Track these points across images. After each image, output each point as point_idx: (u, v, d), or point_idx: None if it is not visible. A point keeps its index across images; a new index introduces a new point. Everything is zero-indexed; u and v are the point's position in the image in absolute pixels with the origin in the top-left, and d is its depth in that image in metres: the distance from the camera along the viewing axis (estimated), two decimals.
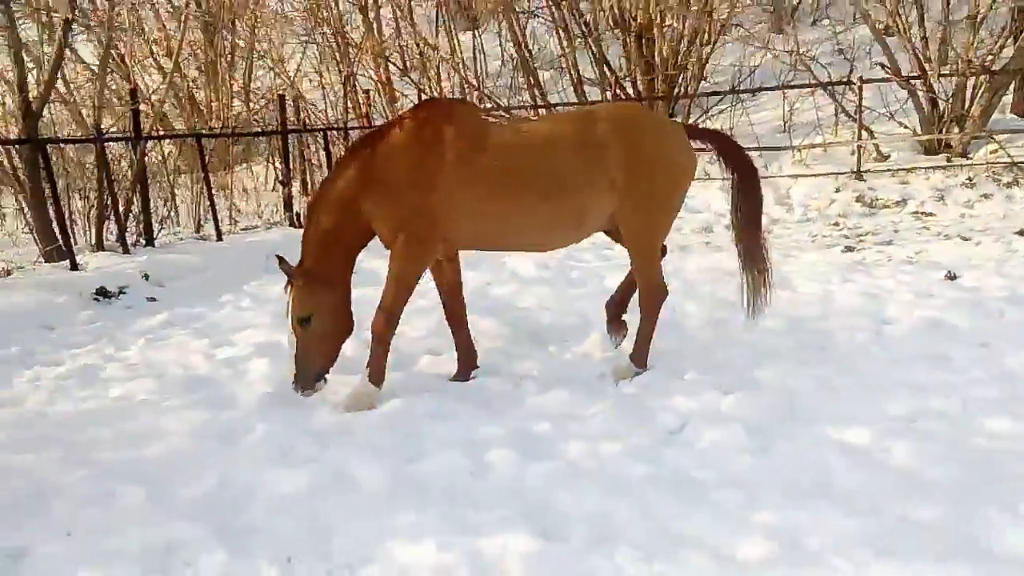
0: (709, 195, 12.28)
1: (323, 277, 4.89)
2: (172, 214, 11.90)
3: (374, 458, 3.90)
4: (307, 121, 15.00)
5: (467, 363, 5.22)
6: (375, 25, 17.42)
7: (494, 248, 5.33)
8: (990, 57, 12.59)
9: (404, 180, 4.73)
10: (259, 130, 15.67)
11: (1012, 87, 13.30)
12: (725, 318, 6.20)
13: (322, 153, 13.43)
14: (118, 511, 3.56)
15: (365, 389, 4.78)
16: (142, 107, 10.57)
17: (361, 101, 15.72)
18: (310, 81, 17.76)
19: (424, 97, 16.21)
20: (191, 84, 17.63)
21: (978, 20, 12.47)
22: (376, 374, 4.82)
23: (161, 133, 13.38)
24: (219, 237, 10.43)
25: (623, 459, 3.86)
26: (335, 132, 14.13)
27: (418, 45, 17.68)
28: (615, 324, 5.55)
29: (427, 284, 7.91)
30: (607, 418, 4.36)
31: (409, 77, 17.46)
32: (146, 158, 10.33)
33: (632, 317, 5.40)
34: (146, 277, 8.30)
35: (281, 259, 4.90)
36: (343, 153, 5.37)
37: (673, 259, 7.79)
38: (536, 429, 4.25)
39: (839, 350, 5.36)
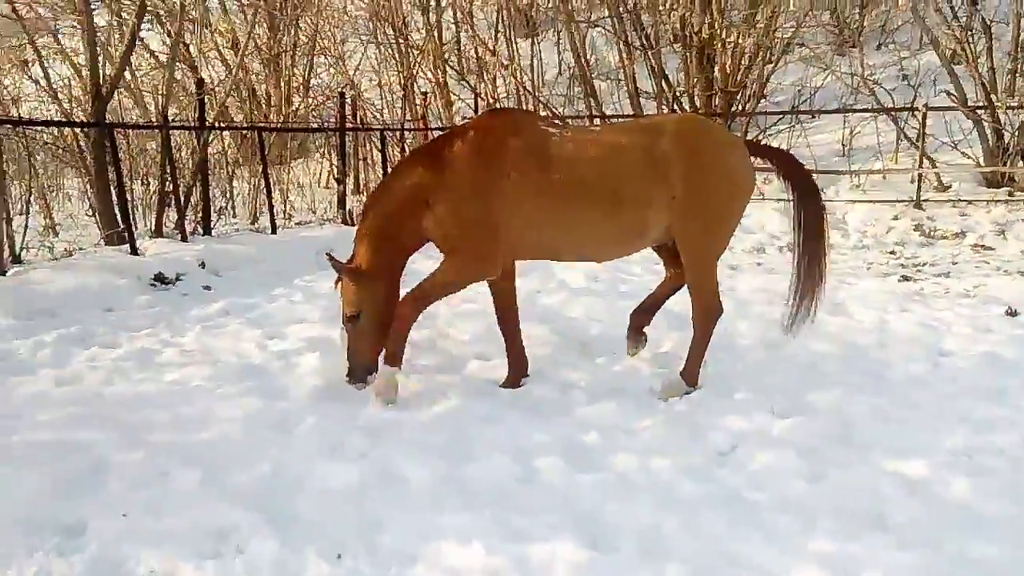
0: (763, 216, 12.15)
1: (373, 275, 4.95)
2: (229, 205, 12.12)
3: (423, 457, 3.92)
4: (364, 120, 15.17)
5: (518, 370, 5.23)
6: (436, 28, 17.59)
7: (553, 259, 5.32)
8: None
9: (466, 190, 4.76)
10: (317, 126, 15.87)
11: None
12: (777, 340, 6.10)
13: (376, 153, 13.57)
14: (173, 493, 3.64)
15: (385, 374, 4.81)
16: (206, 98, 10.77)
17: (419, 103, 15.86)
18: (368, 80, 17.97)
19: (480, 102, 16.32)
20: (254, 77, 17.95)
21: None
22: (392, 356, 4.82)
23: (224, 124, 13.64)
24: (273, 230, 10.60)
25: (673, 475, 3.83)
26: (391, 132, 14.26)
27: (476, 50, 17.79)
28: (635, 334, 5.51)
29: (476, 288, 7.97)
30: (657, 433, 4.34)
31: (466, 81, 17.57)
32: (208, 149, 10.53)
33: (683, 333, 5.37)
34: (203, 265, 8.46)
35: (331, 256, 4.99)
36: (404, 156, 5.41)
37: (725, 278, 7.72)
38: (585, 439, 4.24)
39: (895, 379, 5.26)
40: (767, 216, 12.15)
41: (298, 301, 7.42)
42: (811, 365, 5.49)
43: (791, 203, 5.27)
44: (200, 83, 10.71)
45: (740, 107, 15.11)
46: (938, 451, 4.08)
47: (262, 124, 14.56)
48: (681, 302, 5.46)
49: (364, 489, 3.66)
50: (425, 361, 5.56)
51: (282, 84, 17.06)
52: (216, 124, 11.51)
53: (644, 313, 5.53)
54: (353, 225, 11.47)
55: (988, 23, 12.61)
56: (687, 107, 15.37)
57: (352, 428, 4.32)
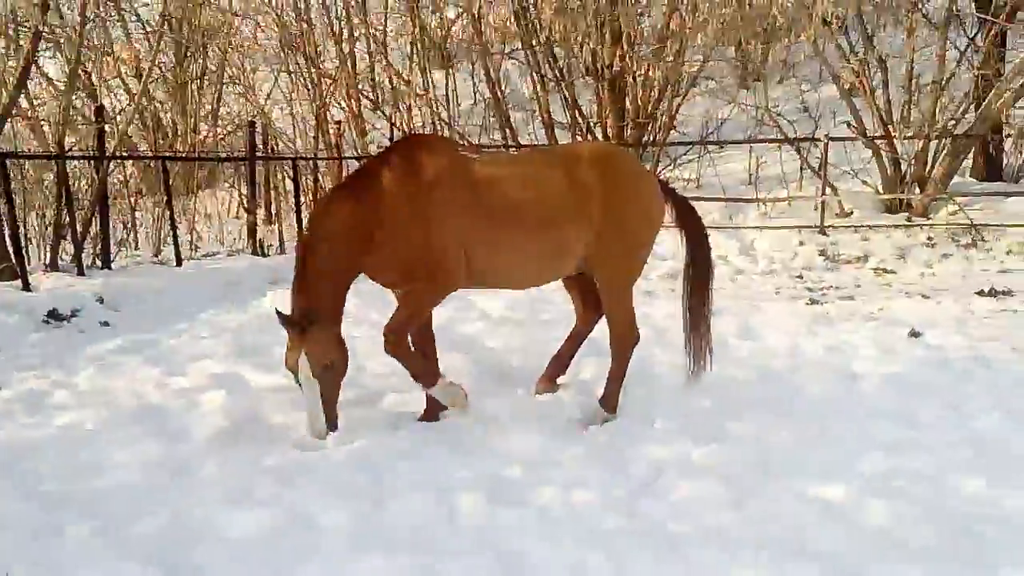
0: (677, 242, 12.32)
1: (334, 319, 4.74)
2: (131, 237, 11.60)
3: (338, 500, 3.73)
4: (275, 149, 14.83)
5: (437, 403, 5.08)
6: (349, 58, 17.42)
7: (477, 285, 5.21)
8: (953, 122, 12.94)
9: (407, 217, 4.64)
10: (226, 155, 15.45)
11: (972, 151, 13.67)
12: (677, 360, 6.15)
13: (289, 182, 13.25)
14: (65, 547, 3.35)
15: (443, 389, 4.83)
16: (106, 127, 10.32)
17: (332, 132, 15.63)
18: (280, 109, 17.64)
19: (396, 131, 16.18)
20: (158, 106, 17.40)
21: (942, 85, 12.84)
22: (431, 375, 4.85)
23: (125, 153, 13.10)
24: (179, 262, 10.18)
25: (597, 509, 3.75)
26: (303, 162, 13.98)
27: (391, 80, 17.69)
28: (548, 382, 5.42)
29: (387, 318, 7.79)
30: (580, 465, 4.26)
31: (381, 111, 17.42)
32: (108, 179, 10.07)
33: (601, 359, 5.34)
34: (100, 300, 8.03)
35: (281, 314, 4.65)
36: (328, 194, 5.13)
37: (642, 305, 7.76)
38: (507, 473, 4.13)
39: (809, 403, 5.32)
40: (680, 243, 12.31)
41: (203, 336, 7.09)
42: (727, 391, 5.51)
43: (684, 249, 5.39)
44: (99, 111, 10.25)
45: (651, 138, 15.42)
46: (855, 476, 4.11)
47: (166, 153, 14.05)
48: (600, 329, 5.42)
49: (273, 537, 3.44)
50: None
51: (189, 113, 16.57)
52: (116, 153, 11.03)
53: (559, 362, 5.48)
54: (264, 256, 11.14)
55: (883, 57, 13.25)
56: (600, 137, 15.59)
57: (260, 471, 4.09)
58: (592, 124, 16.02)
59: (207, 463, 4.19)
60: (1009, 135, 13.75)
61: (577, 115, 15.94)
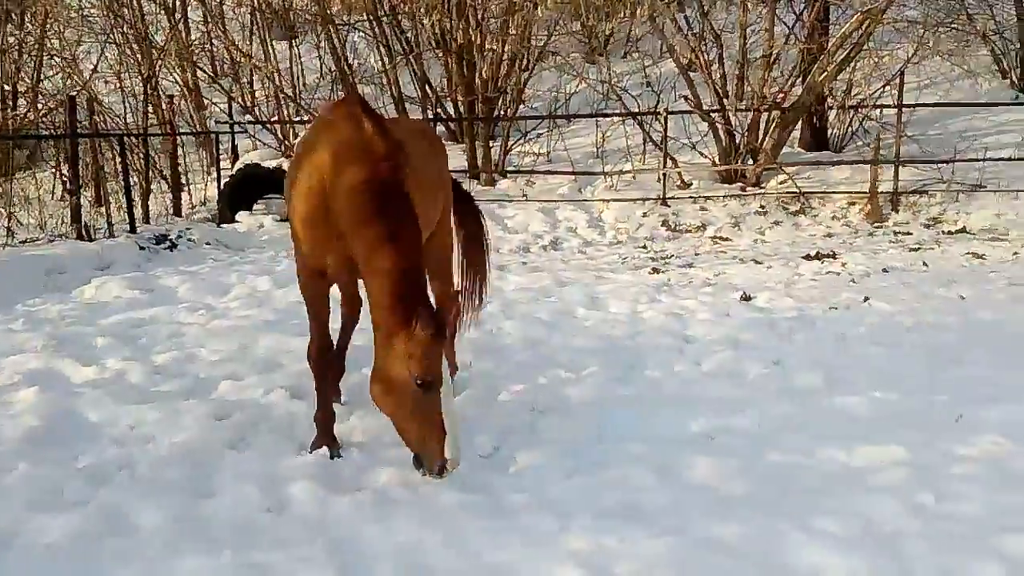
0: (528, 216, 12.50)
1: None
2: None
3: (157, 498, 3.51)
4: (102, 126, 13.83)
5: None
6: (182, 27, 16.45)
7: None
8: (781, 94, 13.66)
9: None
10: (42, 133, 14.29)
11: (800, 123, 14.49)
12: (541, 337, 6.23)
13: (118, 161, 12.39)
14: None
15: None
16: None
17: (164, 107, 14.73)
18: (106, 83, 16.44)
19: (236, 105, 15.44)
20: None
21: (771, 60, 13.51)
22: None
23: None
24: None
25: (435, 486, 3.70)
26: (133, 139, 13.12)
27: (229, 51, 16.85)
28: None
29: (227, 304, 7.45)
30: None
31: (219, 84, 16.57)
32: None
33: None
34: None
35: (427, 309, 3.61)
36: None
37: (492, 279, 7.78)
38: (342, 457, 4.02)
39: (646, 368, 5.49)
40: (532, 216, 12.50)
41: (18, 329, 6.51)
42: (571, 361, 5.61)
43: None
44: None
45: (501, 112, 15.45)
46: (683, 436, 4.27)
47: None
48: None
49: (86, 540, 3.20)
50: (167, 387, 5.04)
51: (3, 87, 15.19)
52: None
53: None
54: (91, 240, 10.39)
55: (718, 33, 13.80)
56: (451, 112, 15.48)
57: (73, 472, 3.79)
58: (443, 98, 15.87)
59: (17, 466, 3.84)
60: (832, 107, 14.65)
61: (427, 89, 15.73)
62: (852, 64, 13.46)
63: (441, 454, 3.43)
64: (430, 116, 15.37)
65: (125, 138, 12.34)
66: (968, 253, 9.78)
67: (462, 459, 3.50)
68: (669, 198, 13.03)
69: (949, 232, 11.64)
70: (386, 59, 15.77)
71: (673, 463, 3.91)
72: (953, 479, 3.67)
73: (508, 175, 14.45)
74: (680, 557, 3.05)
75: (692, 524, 3.32)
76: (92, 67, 16.02)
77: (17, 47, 16.36)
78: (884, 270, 8.86)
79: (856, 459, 3.93)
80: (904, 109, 13.13)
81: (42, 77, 16.80)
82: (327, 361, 4.26)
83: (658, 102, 15.05)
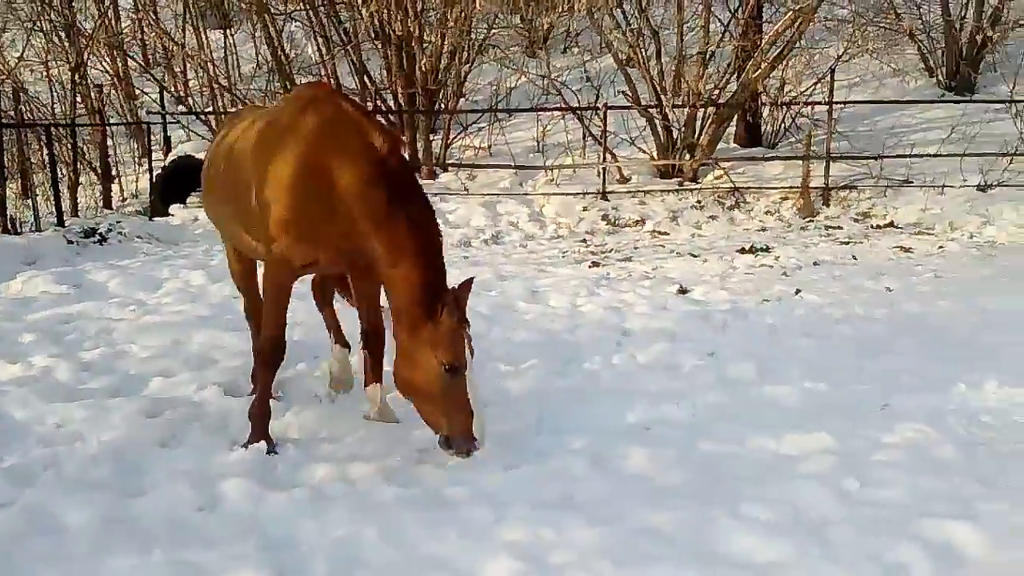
0: (469, 211, 12.48)
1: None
2: None
3: (85, 496, 3.42)
4: (28, 116, 13.36)
5: None
6: (112, 15, 15.97)
7: None
8: (717, 91, 13.90)
9: None
10: None
11: (735, 119, 14.77)
12: (483, 331, 6.22)
13: (45, 152, 11.99)
14: None
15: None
16: None
17: (93, 96, 14.30)
18: (32, 72, 15.87)
19: (167, 95, 15.05)
20: None
21: (707, 57, 13.74)
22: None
23: None
24: None
25: (373, 481, 3.70)
26: (60, 129, 12.70)
27: (160, 40, 16.42)
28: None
29: (161, 300, 7.28)
30: (359, 438, 4.19)
31: (150, 73, 16.14)
32: None
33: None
34: None
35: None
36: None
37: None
38: (279, 454, 3.97)
39: (585, 361, 5.54)
40: (473, 210, 12.48)
41: None
42: (511, 354, 5.63)
43: None
44: None
45: (442, 105, 15.40)
46: (620, 427, 4.33)
47: None
48: None
49: (10, 542, 3.10)
50: (95, 384, 4.91)
51: None
52: None
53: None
54: (17, 234, 10.04)
55: (656, 29, 13.96)
56: (391, 104, 15.36)
57: None
58: (383, 90, 15.73)
59: None
60: (765, 103, 14.97)
61: (367, 80, 15.58)
62: (785, 61, 13.77)
63: (471, 435, 3.61)
64: (369, 108, 15.21)
65: (52, 128, 11.95)
66: (896, 247, 10.11)
67: (405, 455, 3.50)
68: (609, 192, 13.16)
69: (878, 226, 12.00)
70: (324, 50, 15.56)
71: (610, 454, 3.96)
72: (877, 466, 3.79)
73: (449, 168, 14.41)
74: (616, 546, 3.10)
75: (628, 513, 3.37)
76: (18, 56, 15.46)
77: None
78: (815, 263, 9.10)
79: (786, 447, 4.04)
80: (835, 106, 13.50)
81: None
82: (281, 356, 4.16)
83: (597, 97, 15.18)
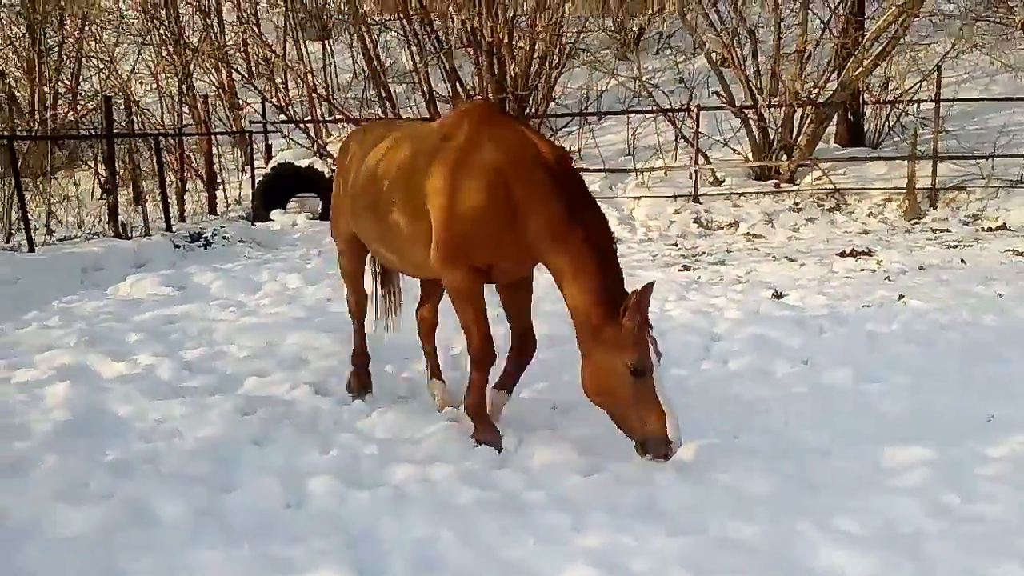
0: None
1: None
2: None
3: (180, 491, 3.55)
4: (138, 126, 14.11)
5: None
6: (217, 28, 16.69)
7: None
8: (816, 90, 13.46)
9: None
10: (81, 133, 14.58)
11: (835, 118, 14.27)
12: (568, 335, 6.18)
13: (155, 160, 12.62)
14: None
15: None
16: None
17: (199, 107, 14.97)
18: (142, 84, 16.75)
19: (269, 105, 15.61)
20: (11, 83, 16.28)
21: (805, 55, 13.33)
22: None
23: None
24: (31, 248, 9.55)
25: (453, 483, 3.71)
26: (170, 138, 13.34)
27: (262, 51, 17.05)
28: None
29: (257, 302, 7.54)
30: (439, 441, 4.21)
31: (253, 84, 16.77)
32: None
33: None
34: None
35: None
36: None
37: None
38: (363, 453, 4.04)
39: (672, 367, 5.42)
40: None
41: (53, 325, 6.66)
42: None
43: None
44: None
45: (532, 110, 15.44)
46: (708, 433, 4.22)
47: (17, 133, 13.15)
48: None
49: (107, 533, 3.25)
50: (195, 383, 5.12)
51: (42, 89, 15.53)
52: None
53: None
54: (127, 238, 10.59)
55: (751, 29, 13.64)
56: None
57: (99, 465, 3.85)
58: (474, 96, 15.88)
59: (44, 459, 3.91)
60: (867, 102, 14.41)
61: (458, 87, 15.76)
62: (888, 58, 13.22)
63: (666, 437, 3.53)
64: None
65: (161, 138, 12.55)
66: (1008, 250, 9.55)
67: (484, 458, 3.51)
68: (701, 195, 12.92)
69: (989, 229, 11.39)
70: (417, 58, 15.83)
71: (695, 462, 3.87)
72: (980, 480, 3.58)
73: None
74: (697, 556, 3.02)
75: (711, 523, 3.28)
76: (129, 68, 16.35)
77: (56, 49, 16.72)
78: (920, 267, 8.69)
79: (882, 459, 3.86)
80: (942, 104, 12.87)
81: (81, 78, 17.17)
82: (491, 356, 4.21)
83: (691, 99, 14.92)
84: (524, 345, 4.38)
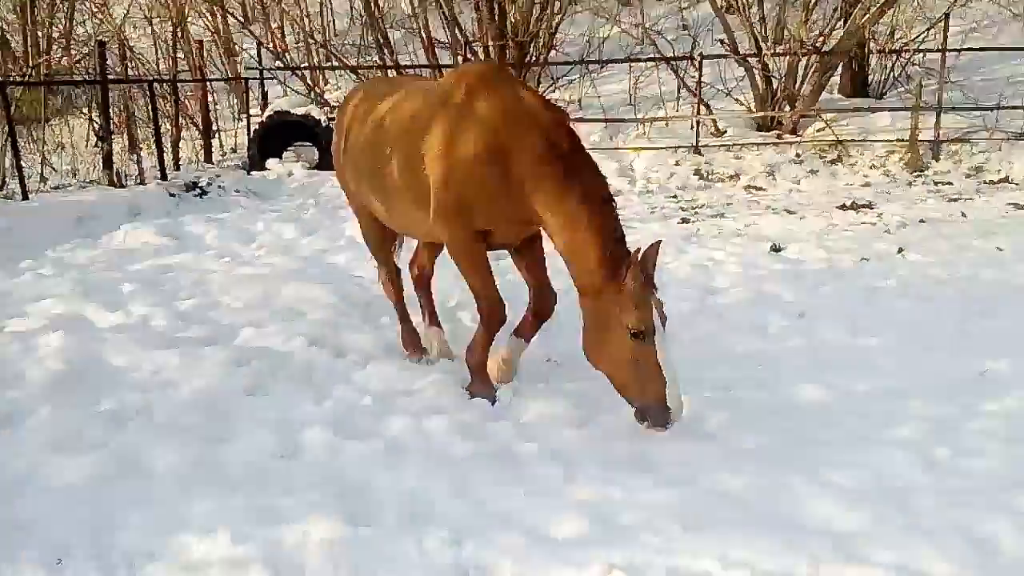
0: None
1: None
2: None
3: (173, 442, 3.57)
4: (133, 72, 13.88)
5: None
6: None
7: None
8: (821, 38, 13.22)
9: None
10: (76, 79, 14.36)
11: (840, 68, 14.04)
12: (566, 288, 6.15)
13: (149, 108, 12.44)
14: None
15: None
16: None
17: (194, 53, 14.73)
18: (134, 28, 16.46)
19: (264, 51, 15.37)
20: (4, 28, 16.01)
21: (811, 1, 13.05)
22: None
23: None
24: (24, 196, 9.47)
25: (447, 435, 3.73)
26: (164, 85, 13.14)
27: None
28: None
29: (249, 251, 7.50)
30: (434, 393, 4.23)
31: (248, 30, 16.49)
32: None
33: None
34: None
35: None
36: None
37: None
38: (358, 405, 4.05)
39: (667, 320, 5.40)
40: None
41: (47, 275, 6.62)
42: None
43: None
44: None
45: (533, 58, 15.19)
46: (700, 387, 4.21)
47: (2, 79, 12.96)
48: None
49: (99, 483, 3.27)
50: (189, 333, 5.10)
51: (36, 33, 15.27)
52: None
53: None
54: (122, 187, 10.50)
55: None
56: (481, 57, 15.25)
57: (92, 416, 3.86)
58: (473, 43, 15.63)
59: (37, 410, 3.93)
60: (873, 51, 14.17)
61: (458, 33, 15.50)
62: (896, 7, 12.95)
63: (665, 405, 3.42)
64: (460, 61, 15.16)
65: (155, 84, 12.36)
66: (1010, 204, 9.48)
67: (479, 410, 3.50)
68: (702, 146, 12.76)
69: (991, 182, 11.27)
70: (416, 2, 15.53)
71: (686, 415, 3.86)
72: (971, 434, 3.60)
73: None
74: (687, 508, 3.04)
75: (701, 476, 3.30)
76: (123, 13, 16.06)
77: None
78: (921, 220, 8.65)
79: (874, 412, 3.87)
80: (948, 53, 12.62)
81: (75, 23, 16.87)
82: (502, 316, 4.18)
83: (694, 46, 14.66)
84: (542, 301, 4.32)
